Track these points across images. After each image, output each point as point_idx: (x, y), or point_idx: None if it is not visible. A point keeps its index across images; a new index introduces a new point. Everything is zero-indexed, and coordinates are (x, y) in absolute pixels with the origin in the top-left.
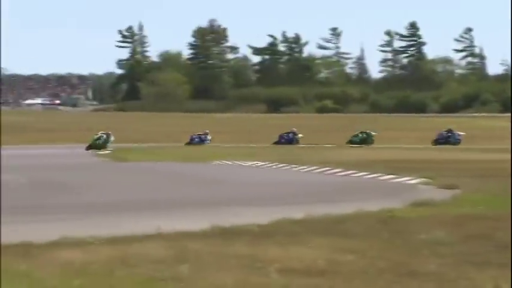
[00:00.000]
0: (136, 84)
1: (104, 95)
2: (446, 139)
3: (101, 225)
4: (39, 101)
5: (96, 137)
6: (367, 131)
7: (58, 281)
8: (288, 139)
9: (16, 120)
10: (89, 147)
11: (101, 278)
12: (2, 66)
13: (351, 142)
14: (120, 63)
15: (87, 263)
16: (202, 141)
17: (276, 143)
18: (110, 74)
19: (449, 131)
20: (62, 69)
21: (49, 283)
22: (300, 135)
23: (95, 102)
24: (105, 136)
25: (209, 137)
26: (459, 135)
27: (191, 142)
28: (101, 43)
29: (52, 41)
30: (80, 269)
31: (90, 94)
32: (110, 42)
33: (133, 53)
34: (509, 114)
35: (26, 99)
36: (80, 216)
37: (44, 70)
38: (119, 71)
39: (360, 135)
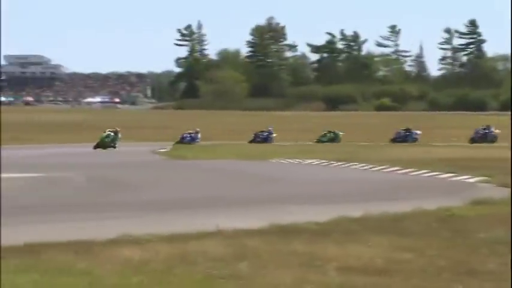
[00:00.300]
0: (194, 82)
1: (162, 93)
2: (404, 138)
3: (159, 223)
4: (98, 99)
5: (104, 135)
6: (335, 131)
7: (117, 279)
8: (263, 138)
9: (75, 119)
10: (97, 146)
11: (160, 275)
12: (62, 64)
13: (318, 141)
14: (178, 62)
15: (146, 261)
16: (193, 139)
17: (251, 141)
18: (169, 72)
19: (407, 130)
20: (121, 68)
21: (109, 281)
22: (274, 134)
23: (153, 100)
24: (113, 134)
25: (199, 136)
26: (416, 134)
27: (182, 141)
28: (160, 42)
29: (111, 39)
30: (139, 266)
31: (149, 92)
32: (169, 40)
33: (192, 51)
34: None
35: (86, 97)
36: (139, 214)
37: (104, 68)
38: (178, 69)
39: (328, 134)
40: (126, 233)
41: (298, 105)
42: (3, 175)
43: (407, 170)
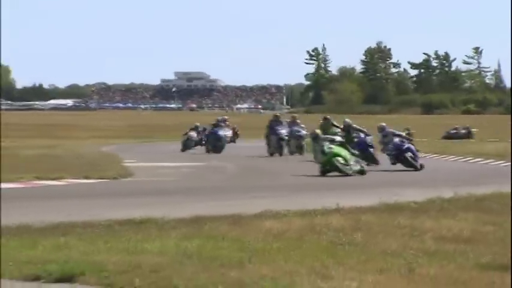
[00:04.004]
0: (320, 92)
1: (295, 101)
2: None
3: (293, 202)
4: (245, 105)
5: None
6: None
7: (261, 244)
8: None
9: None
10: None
11: (294, 242)
12: (218, 78)
13: None
14: (307, 76)
15: (283, 231)
16: None
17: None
18: (300, 85)
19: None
20: (263, 81)
21: (254, 246)
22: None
23: (288, 107)
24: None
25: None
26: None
27: None
28: (293, 61)
29: (257, 59)
30: (278, 235)
31: (284, 100)
32: (300, 59)
33: (318, 68)
34: None
35: (236, 104)
36: (277, 194)
37: (250, 81)
38: (307, 82)
39: None
40: (268, 209)
41: (400, 110)
42: (173, 163)
43: (488, 161)
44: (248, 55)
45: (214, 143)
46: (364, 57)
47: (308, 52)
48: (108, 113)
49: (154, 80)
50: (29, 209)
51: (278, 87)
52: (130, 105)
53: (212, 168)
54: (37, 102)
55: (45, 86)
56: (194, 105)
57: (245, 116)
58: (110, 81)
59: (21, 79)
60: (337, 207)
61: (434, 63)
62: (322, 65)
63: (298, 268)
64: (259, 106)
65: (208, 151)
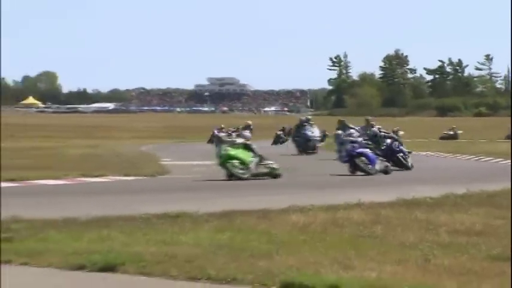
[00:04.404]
0: (342, 96)
1: (318, 104)
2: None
3: (316, 197)
4: (273, 108)
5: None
6: None
7: (288, 237)
8: None
9: (257, 122)
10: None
11: (318, 234)
12: (248, 83)
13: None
14: (330, 81)
15: (308, 224)
16: None
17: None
18: (323, 89)
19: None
20: (289, 86)
21: (281, 238)
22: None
23: (312, 110)
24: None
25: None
26: None
27: None
28: (317, 67)
29: (284, 65)
30: (303, 228)
31: (308, 104)
32: (323, 66)
33: (340, 73)
34: None
35: (264, 107)
36: (302, 191)
37: (277, 86)
38: (329, 87)
39: None
40: (294, 204)
41: (416, 112)
42: (206, 162)
43: (498, 160)
44: (275, 62)
45: (303, 144)
46: (383, 63)
47: (331, 59)
48: (146, 115)
49: (189, 85)
50: (75, 203)
51: (303, 92)
52: (166, 108)
53: None
54: (81, 106)
55: (89, 90)
56: (226, 108)
57: (273, 118)
58: (148, 86)
59: (67, 84)
60: (358, 202)
61: (448, 69)
62: (344, 71)
63: (322, 259)
64: (286, 109)
65: (300, 152)
